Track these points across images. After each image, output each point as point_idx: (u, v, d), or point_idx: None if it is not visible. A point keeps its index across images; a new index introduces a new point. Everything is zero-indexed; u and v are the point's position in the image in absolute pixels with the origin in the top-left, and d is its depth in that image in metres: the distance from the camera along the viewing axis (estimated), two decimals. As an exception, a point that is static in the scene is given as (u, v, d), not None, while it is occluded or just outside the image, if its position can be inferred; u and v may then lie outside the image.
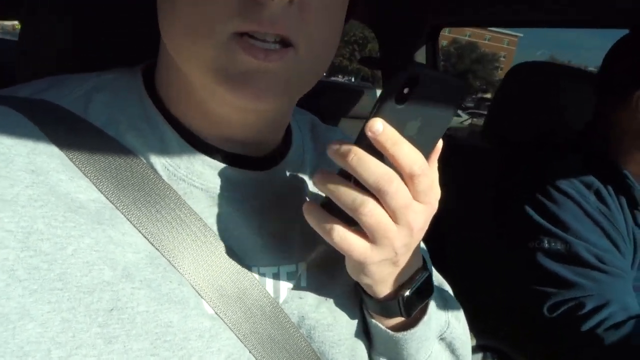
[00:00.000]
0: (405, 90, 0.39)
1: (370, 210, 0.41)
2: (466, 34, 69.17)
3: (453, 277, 0.69)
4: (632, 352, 0.82)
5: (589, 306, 0.85)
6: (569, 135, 1.13)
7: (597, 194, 0.97)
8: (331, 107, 2.00)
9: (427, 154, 0.42)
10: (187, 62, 0.44)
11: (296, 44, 0.42)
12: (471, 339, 0.89)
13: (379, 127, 0.39)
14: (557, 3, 1.29)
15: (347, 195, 0.41)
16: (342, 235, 0.42)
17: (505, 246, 1.07)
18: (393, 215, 0.42)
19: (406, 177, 0.41)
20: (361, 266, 0.45)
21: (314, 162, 0.58)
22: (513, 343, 0.90)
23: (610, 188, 0.98)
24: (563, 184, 0.96)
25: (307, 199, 0.54)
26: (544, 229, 0.94)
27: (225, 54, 0.41)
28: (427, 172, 0.42)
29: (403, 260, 0.46)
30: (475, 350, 0.89)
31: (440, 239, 1.37)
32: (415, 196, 0.42)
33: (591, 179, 0.98)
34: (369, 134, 0.39)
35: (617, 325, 0.83)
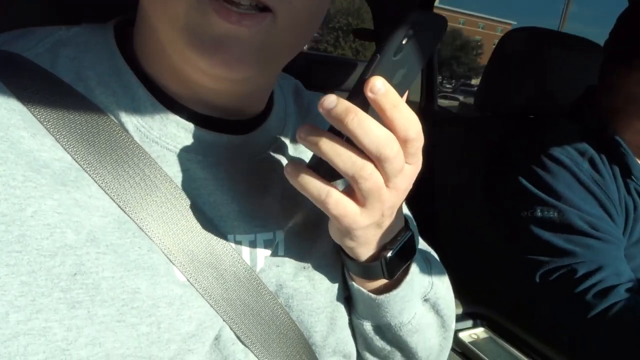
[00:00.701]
0: (404, 41, 0.37)
1: (370, 174, 0.38)
2: (460, 21, 68.67)
3: (443, 248, 0.68)
4: (619, 317, 0.81)
5: (581, 272, 0.85)
6: (564, 103, 1.12)
7: (591, 161, 0.96)
8: (324, 79, 1.98)
9: (402, 95, 0.39)
10: (159, 19, 0.41)
11: (275, 10, 0.39)
12: (461, 306, 0.89)
13: (381, 87, 0.36)
14: None
15: (346, 157, 0.38)
16: (338, 200, 0.40)
17: (498, 215, 1.06)
18: (385, 180, 0.40)
19: (400, 140, 0.38)
20: (347, 230, 0.43)
21: (296, 126, 0.56)
22: (503, 311, 0.89)
23: (603, 156, 0.97)
24: (557, 152, 0.95)
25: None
26: (537, 197, 0.93)
27: (197, 14, 0.38)
28: (420, 136, 0.39)
29: (387, 222, 0.45)
30: (464, 317, 0.88)
31: (432, 210, 1.36)
32: (405, 158, 0.40)
33: (585, 146, 0.97)
34: (369, 94, 0.36)
35: (608, 290, 0.83)
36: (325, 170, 0.40)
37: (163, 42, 0.43)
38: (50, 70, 0.43)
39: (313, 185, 0.40)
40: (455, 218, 1.30)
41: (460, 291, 0.63)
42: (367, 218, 0.42)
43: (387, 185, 0.40)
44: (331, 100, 0.37)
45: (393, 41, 0.37)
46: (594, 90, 1.06)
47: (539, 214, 0.92)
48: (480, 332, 0.86)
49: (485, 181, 1.12)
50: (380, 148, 0.37)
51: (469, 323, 0.88)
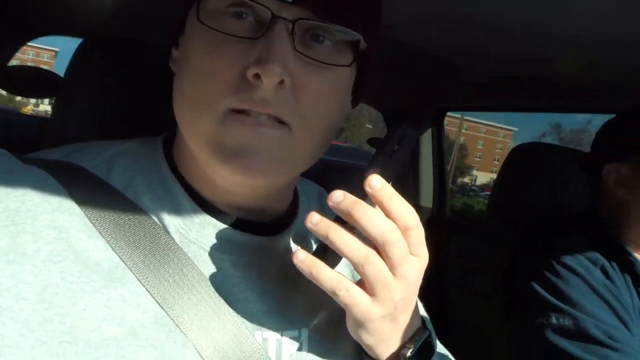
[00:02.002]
0: (395, 147, 0.44)
1: (373, 261, 0.42)
2: (464, 127, 71.30)
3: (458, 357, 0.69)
4: None
5: None
6: (572, 213, 1.15)
7: (603, 270, 0.97)
8: (338, 185, 2.04)
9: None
10: (189, 134, 0.48)
11: (290, 124, 0.45)
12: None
13: (377, 183, 0.42)
14: (550, 91, 1.36)
15: (353, 245, 0.42)
16: (348, 288, 0.43)
17: (514, 324, 1.06)
18: (392, 268, 0.43)
19: (401, 230, 0.43)
20: (362, 323, 0.45)
21: None
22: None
23: (615, 265, 0.98)
24: (568, 260, 0.97)
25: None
26: (551, 304, 0.94)
27: (220, 128, 0.45)
28: (419, 225, 0.44)
29: (403, 317, 0.47)
30: None
31: (445, 317, 1.35)
32: (410, 249, 0.44)
33: (596, 255, 0.99)
34: (367, 189, 0.42)
35: None
36: (330, 257, 0.44)
37: (194, 154, 0.49)
38: (106, 179, 0.49)
39: (324, 273, 0.43)
40: (469, 326, 1.29)
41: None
42: (378, 308, 0.44)
43: (394, 274, 0.44)
44: (339, 195, 0.42)
45: (388, 146, 0.45)
46: (595, 202, 1.11)
47: (554, 321, 0.92)
48: None
49: (501, 290, 1.13)
50: (383, 234, 0.42)
51: None
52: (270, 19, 0.43)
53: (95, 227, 0.44)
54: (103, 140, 0.55)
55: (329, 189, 0.44)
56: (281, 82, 0.43)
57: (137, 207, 0.48)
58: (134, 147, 0.54)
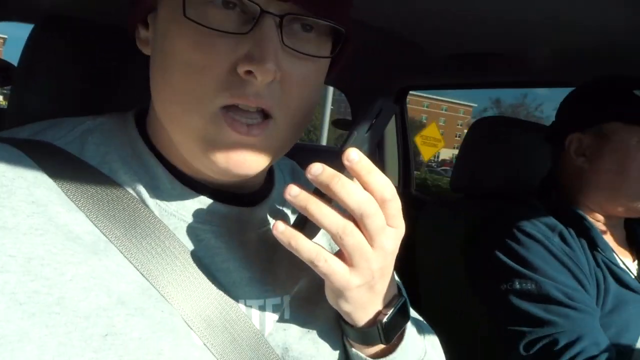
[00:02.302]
0: (373, 121, 0.45)
1: (351, 232, 0.44)
2: (424, 104, 72.38)
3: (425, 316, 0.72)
4: None
5: (562, 342, 0.88)
6: (531, 184, 1.21)
7: (561, 235, 1.02)
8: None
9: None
10: (176, 129, 0.48)
11: (274, 116, 0.47)
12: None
13: (355, 156, 0.43)
14: (509, 67, 1.40)
15: (331, 216, 0.43)
16: (327, 259, 0.44)
17: (479, 291, 1.10)
18: (369, 239, 0.45)
19: (378, 202, 0.44)
20: (341, 292, 0.47)
21: None
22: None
23: (572, 230, 1.04)
24: (528, 227, 1.02)
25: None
26: (514, 270, 0.98)
27: (212, 127, 0.45)
28: (396, 197, 0.46)
29: (380, 285, 0.49)
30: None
31: (415, 289, 1.40)
32: (387, 220, 0.45)
33: (554, 221, 1.04)
34: (345, 162, 0.43)
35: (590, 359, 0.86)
36: (308, 228, 0.45)
37: (177, 146, 0.49)
38: (79, 156, 0.49)
39: (303, 245, 0.44)
40: (438, 297, 1.34)
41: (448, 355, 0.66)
42: (356, 278, 0.46)
43: (371, 245, 0.45)
44: (317, 167, 0.43)
45: (366, 120, 0.45)
46: (554, 172, 1.16)
47: (518, 286, 0.97)
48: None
49: (466, 259, 1.18)
50: (361, 205, 0.43)
51: None
52: (259, 14, 0.44)
53: (73, 201, 0.45)
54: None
55: (303, 168, 0.45)
56: None
57: (113, 181, 0.48)
58: (106, 122, 0.53)
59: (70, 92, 0.68)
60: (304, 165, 0.45)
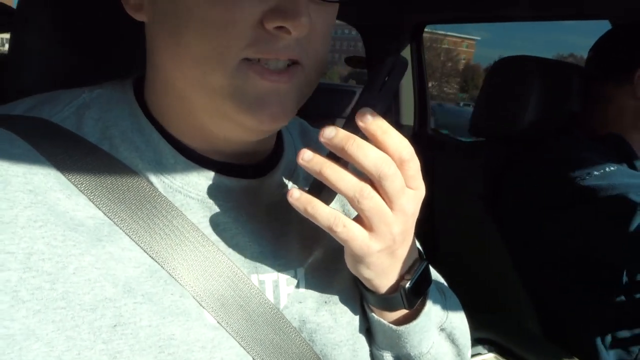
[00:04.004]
0: (386, 79, 0.43)
1: (369, 194, 0.41)
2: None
3: (445, 275, 0.70)
4: None
5: None
6: (549, 128, 1.17)
7: (608, 154, 1.04)
8: (324, 107, 2.01)
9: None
10: (198, 94, 0.45)
11: (302, 63, 0.44)
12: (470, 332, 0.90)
13: (369, 117, 0.40)
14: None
15: (347, 180, 0.41)
16: (345, 224, 0.42)
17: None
18: (388, 202, 0.43)
19: (396, 163, 0.42)
20: (361, 258, 0.45)
21: None
22: (512, 336, 0.91)
23: (613, 153, 1.05)
24: (584, 152, 1.03)
25: None
26: (598, 190, 0.96)
27: (239, 80, 0.42)
28: (414, 157, 0.43)
29: (401, 250, 0.47)
30: (474, 343, 0.90)
31: (432, 234, 1.38)
32: (406, 181, 0.43)
33: (597, 144, 1.06)
34: (360, 123, 0.40)
35: None
36: (324, 193, 0.43)
37: (194, 107, 0.46)
38: (77, 132, 0.46)
39: (321, 210, 0.42)
40: (456, 243, 1.33)
41: (469, 317, 0.65)
42: (377, 242, 0.44)
43: (391, 208, 0.43)
44: (330, 130, 0.41)
45: (378, 78, 0.43)
46: (578, 114, 1.13)
47: (589, 181, 0.95)
48: (490, 358, 0.88)
49: (493, 202, 1.16)
50: (379, 167, 0.41)
51: (479, 349, 0.89)
52: None
53: (73, 185, 0.42)
54: (67, 83, 0.51)
55: (314, 112, 0.41)
56: None
57: (115, 159, 0.45)
58: (103, 94, 0.50)
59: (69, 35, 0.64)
60: (321, 107, 0.42)
